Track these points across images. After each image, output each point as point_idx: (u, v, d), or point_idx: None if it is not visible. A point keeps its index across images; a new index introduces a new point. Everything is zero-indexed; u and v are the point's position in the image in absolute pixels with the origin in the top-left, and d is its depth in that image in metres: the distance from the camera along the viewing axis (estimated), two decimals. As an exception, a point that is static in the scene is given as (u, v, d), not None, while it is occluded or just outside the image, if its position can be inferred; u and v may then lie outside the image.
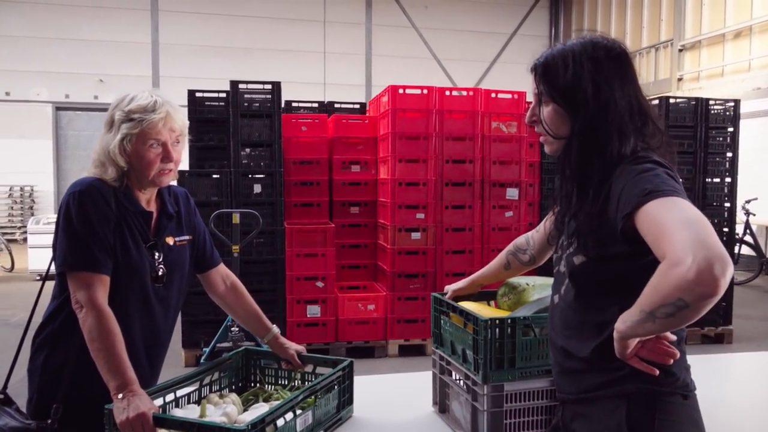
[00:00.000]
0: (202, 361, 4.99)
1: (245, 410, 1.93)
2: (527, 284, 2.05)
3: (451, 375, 2.03)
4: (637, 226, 1.24)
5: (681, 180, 1.31)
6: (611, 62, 1.42)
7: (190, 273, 2.06)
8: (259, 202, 5.43)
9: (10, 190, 14.61)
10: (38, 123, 14.99)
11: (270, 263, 5.49)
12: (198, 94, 5.82)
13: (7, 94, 14.79)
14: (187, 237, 2.00)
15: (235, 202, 5.37)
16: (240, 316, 2.24)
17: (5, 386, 1.92)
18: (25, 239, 11.54)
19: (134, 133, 1.78)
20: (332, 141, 6.14)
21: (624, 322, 1.23)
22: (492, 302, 2.21)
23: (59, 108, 15.19)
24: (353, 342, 5.65)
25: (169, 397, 1.88)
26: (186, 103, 5.67)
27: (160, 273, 1.87)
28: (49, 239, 7.05)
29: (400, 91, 5.59)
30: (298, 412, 1.78)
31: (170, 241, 1.94)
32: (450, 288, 2.15)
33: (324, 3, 15.85)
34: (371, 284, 6.09)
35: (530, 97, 1.58)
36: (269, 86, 5.50)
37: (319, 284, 5.55)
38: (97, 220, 1.76)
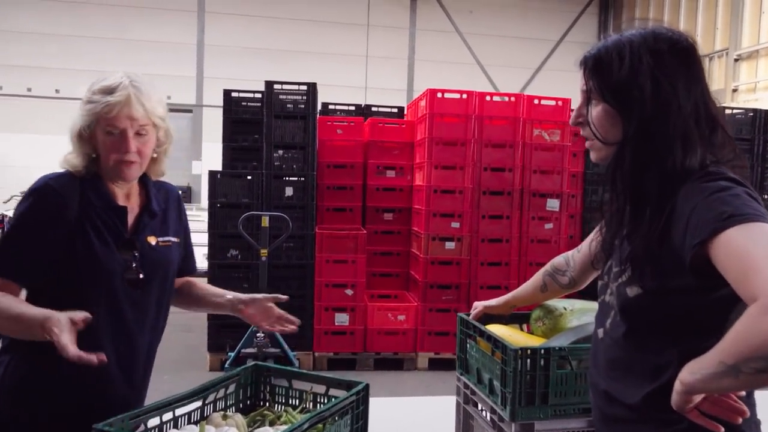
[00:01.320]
0: (226, 366, 4.89)
1: (249, 434, 1.77)
2: (565, 308, 1.84)
3: (476, 406, 1.83)
4: (712, 256, 1.03)
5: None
6: (676, 57, 1.21)
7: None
8: (290, 205, 5.31)
9: (56, 185, 14.93)
10: (85, 120, 15.29)
11: (299, 268, 5.36)
12: (234, 94, 5.75)
13: (57, 91, 15.13)
14: (173, 239, 1.81)
15: (266, 205, 5.26)
16: (195, 299, 2.01)
17: None
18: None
19: (93, 116, 1.62)
20: (368, 145, 5.99)
21: (693, 373, 1.02)
22: (525, 326, 2.01)
23: (106, 106, 15.47)
24: (381, 353, 5.46)
25: (168, 416, 1.74)
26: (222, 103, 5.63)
27: (135, 275, 1.68)
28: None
29: (439, 95, 5.40)
30: (303, 441, 1.61)
31: (152, 240, 1.75)
32: (479, 304, 1.96)
33: (368, 7, 15.78)
34: (403, 294, 5.90)
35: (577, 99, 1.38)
36: (304, 87, 5.38)
37: (349, 292, 5.39)
38: (38, 226, 1.59)
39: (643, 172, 1.19)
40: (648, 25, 1.26)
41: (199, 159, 15.16)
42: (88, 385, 1.64)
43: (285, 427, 1.69)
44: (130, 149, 1.64)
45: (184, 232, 1.90)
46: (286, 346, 5.07)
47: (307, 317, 5.36)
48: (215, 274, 5.33)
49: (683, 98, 1.19)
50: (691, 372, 1.02)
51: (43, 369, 1.60)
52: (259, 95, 5.51)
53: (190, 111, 15.20)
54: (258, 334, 4.90)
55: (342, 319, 5.41)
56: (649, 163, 1.19)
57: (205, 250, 5.37)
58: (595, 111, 1.26)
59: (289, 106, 5.39)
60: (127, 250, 1.68)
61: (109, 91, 1.62)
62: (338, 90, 13.56)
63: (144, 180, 1.77)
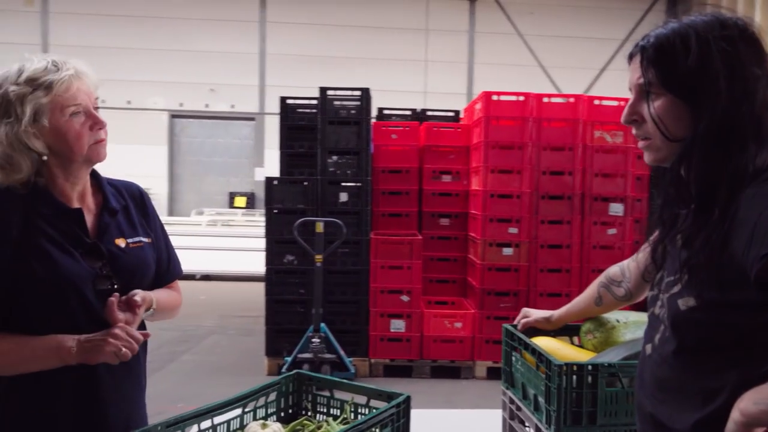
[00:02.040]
0: (283, 370, 4.92)
1: (287, 444, 1.74)
2: (618, 321, 1.73)
3: (523, 423, 1.74)
4: None
5: None
6: (747, 44, 1.10)
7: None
8: (345, 211, 5.31)
9: (128, 192, 15.57)
10: (155, 130, 15.90)
11: (354, 274, 5.35)
12: (290, 101, 5.82)
13: (128, 102, 15.80)
14: (144, 239, 1.61)
15: (321, 211, 5.28)
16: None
17: None
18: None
19: (45, 103, 1.39)
20: (423, 149, 5.93)
21: (757, 403, 0.92)
22: (577, 338, 1.90)
23: (174, 116, 16.03)
24: (438, 361, 5.38)
25: (206, 423, 1.73)
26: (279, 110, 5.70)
27: (108, 284, 1.49)
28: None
29: (494, 97, 5.29)
30: (338, 454, 1.57)
31: (121, 243, 1.55)
32: (529, 312, 1.86)
33: (426, 11, 15.73)
34: (460, 300, 5.80)
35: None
36: (357, 93, 5.38)
37: (404, 298, 5.34)
38: None
39: (713, 171, 1.08)
40: (707, 12, 1.15)
41: (261, 166, 15.49)
42: (84, 408, 1.52)
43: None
44: (104, 122, 1.48)
45: (156, 233, 1.69)
46: (342, 352, 5.06)
47: (362, 323, 5.35)
48: (272, 280, 5.40)
49: (761, 88, 1.08)
50: (755, 401, 0.92)
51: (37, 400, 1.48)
52: (314, 102, 5.55)
53: (252, 119, 15.57)
54: (313, 340, 4.91)
55: (398, 325, 5.36)
56: (720, 160, 1.08)
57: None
58: (657, 105, 1.15)
59: (342, 112, 5.39)
60: (94, 256, 1.49)
61: (51, 70, 1.41)
62: (397, 95, 13.55)
63: (95, 175, 1.60)
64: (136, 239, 1.61)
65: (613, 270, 1.66)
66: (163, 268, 1.71)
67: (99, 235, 1.53)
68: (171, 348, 6.17)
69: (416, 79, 15.70)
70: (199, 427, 1.69)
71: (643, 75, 1.16)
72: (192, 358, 5.85)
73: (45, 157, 1.44)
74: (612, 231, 5.35)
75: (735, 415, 0.94)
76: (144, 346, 1.69)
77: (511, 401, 1.79)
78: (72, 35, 15.54)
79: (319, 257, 4.89)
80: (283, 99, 5.82)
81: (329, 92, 5.40)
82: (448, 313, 5.47)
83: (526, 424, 1.71)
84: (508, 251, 5.29)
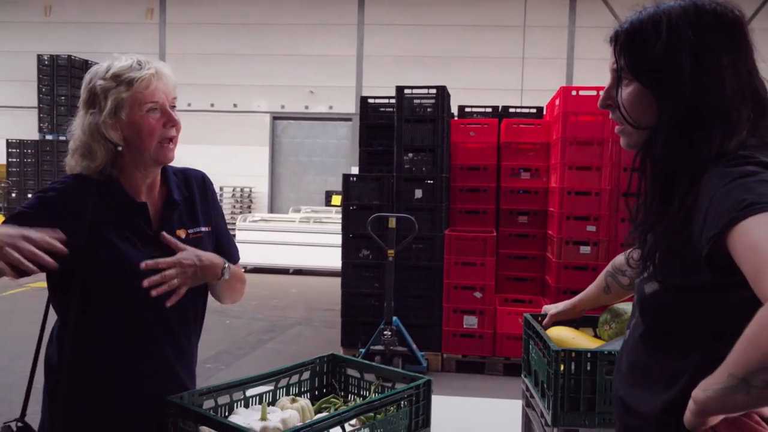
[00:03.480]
0: (357, 361, 5.07)
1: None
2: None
3: (536, 410, 1.76)
4: (731, 249, 0.91)
5: None
6: (720, 31, 1.08)
7: None
8: (420, 207, 5.39)
9: (233, 191, 16.45)
10: (258, 131, 16.71)
11: (427, 269, 5.41)
12: (370, 101, 5.99)
13: (235, 105, 16.71)
14: (204, 228, 1.69)
15: (396, 207, 5.39)
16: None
17: (23, 413, 1.68)
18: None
19: (126, 97, 1.49)
20: (502, 146, 5.89)
21: (705, 389, 0.91)
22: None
23: (276, 117, 16.77)
24: (511, 358, 5.33)
25: (238, 395, 1.87)
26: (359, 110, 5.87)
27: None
28: (253, 235, 7.60)
29: (573, 92, 5.17)
30: (349, 428, 1.66)
31: (182, 233, 1.63)
32: (547, 309, 1.88)
33: (524, 7, 15.44)
34: (537, 299, 5.71)
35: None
36: (434, 91, 5.44)
37: (477, 294, 5.34)
38: (32, 224, 1.44)
39: (676, 159, 1.08)
40: None
41: (357, 165, 15.88)
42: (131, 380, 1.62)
43: (324, 414, 1.73)
44: (177, 120, 1.56)
45: (216, 220, 1.76)
46: (413, 346, 5.14)
47: (435, 318, 5.41)
48: (348, 273, 5.58)
49: (728, 76, 1.06)
50: (703, 388, 0.91)
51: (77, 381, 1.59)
52: (394, 101, 5.67)
53: (349, 119, 15.97)
54: (385, 332, 5.03)
55: (471, 321, 5.37)
56: (683, 149, 1.08)
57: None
58: (626, 92, 1.15)
59: (419, 110, 5.48)
60: (155, 246, 1.57)
61: (134, 68, 1.51)
62: (492, 93, 13.44)
63: (163, 168, 1.67)
64: (196, 229, 1.69)
65: (619, 259, 1.65)
66: (224, 251, 1.76)
67: (161, 227, 1.61)
68: (258, 336, 6.53)
69: (513, 76, 15.47)
70: (231, 397, 1.84)
71: (616, 61, 1.17)
72: (275, 347, 6.16)
73: (120, 148, 1.53)
74: (700, 231, 5.07)
75: (690, 403, 0.94)
76: (196, 325, 1.78)
77: (527, 389, 1.81)
78: (186, 44, 16.66)
79: (391, 252, 5.00)
80: (363, 99, 6.00)
81: (406, 91, 5.50)
82: (522, 310, 5.40)
83: (539, 411, 1.72)
84: (585, 250, 5.16)
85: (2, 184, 16.08)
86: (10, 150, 15.85)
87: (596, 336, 1.81)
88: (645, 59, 1.11)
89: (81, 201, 1.53)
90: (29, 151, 15.79)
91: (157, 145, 1.54)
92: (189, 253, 1.58)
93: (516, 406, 2.02)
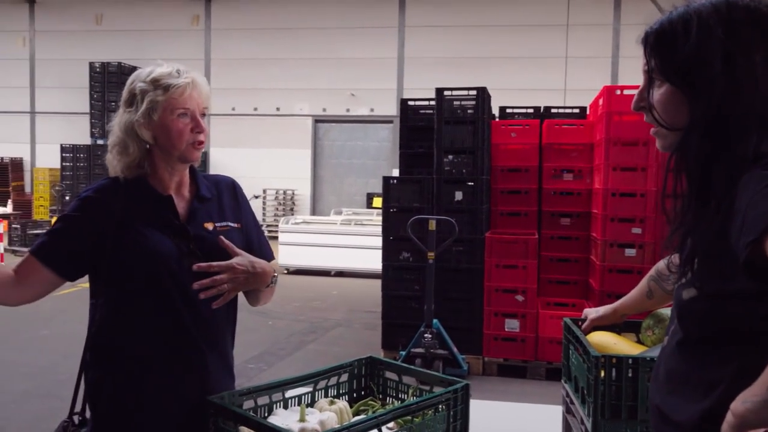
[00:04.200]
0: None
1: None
2: (677, 318, 1.65)
3: (576, 417, 1.73)
4: None
5: None
6: (753, 27, 1.04)
7: None
8: (460, 209, 5.36)
9: (276, 193, 16.68)
10: (300, 134, 16.90)
11: (468, 272, 5.38)
12: (410, 103, 5.99)
13: (278, 109, 16.95)
14: (232, 224, 1.76)
15: (436, 209, 5.37)
16: None
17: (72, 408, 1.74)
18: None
19: (160, 101, 1.60)
20: (543, 148, 5.81)
21: (744, 401, 0.88)
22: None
23: (318, 120, 16.94)
24: (554, 363, 5.24)
25: (277, 396, 1.89)
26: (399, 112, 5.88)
27: (194, 258, 1.63)
28: (295, 237, 7.70)
29: (617, 92, 5.07)
30: (386, 431, 1.66)
31: (209, 226, 1.70)
32: (588, 313, 1.84)
33: (568, 6, 15.20)
34: (580, 303, 5.60)
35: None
36: (474, 92, 5.40)
37: (519, 298, 5.28)
38: (78, 226, 1.64)
39: (710, 162, 1.05)
40: None
41: (398, 167, 15.90)
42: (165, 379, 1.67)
43: (361, 417, 1.73)
44: (204, 128, 1.66)
45: (246, 219, 1.83)
46: (454, 349, 5.12)
47: (476, 321, 5.37)
48: (388, 275, 5.58)
49: (761, 75, 1.03)
50: (743, 400, 0.88)
51: (116, 377, 1.67)
52: (434, 103, 5.65)
53: (390, 122, 16.01)
54: (425, 335, 5.01)
55: (512, 325, 5.31)
56: (718, 150, 1.05)
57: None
58: (658, 93, 1.13)
59: (459, 112, 5.45)
60: (182, 237, 1.65)
61: (173, 76, 1.62)
62: (534, 93, 13.29)
63: (192, 169, 1.78)
64: (224, 224, 1.75)
65: (661, 265, 1.61)
66: (255, 251, 1.81)
67: (189, 219, 1.70)
68: (300, 337, 6.60)
69: (555, 76, 15.25)
70: (270, 398, 1.86)
71: (647, 62, 1.14)
72: (316, 348, 6.22)
73: (148, 146, 1.65)
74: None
75: (728, 416, 0.91)
76: (228, 318, 1.83)
77: (567, 395, 1.78)
78: (230, 49, 17.00)
79: (431, 254, 4.99)
80: (403, 101, 6.01)
81: (446, 93, 5.48)
82: (564, 314, 5.30)
83: (578, 418, 1.69)
84: (630, 252, 5.04)
85: (57, 187, 16.69)
86: (63, 154, 16.47)
87: (639, 342, 1.77)
88: (675, 59, 1.08)
89: (113, 200, 1.65)
90: (81, 155, 16.38)
91: (185, 147, 1.65)
92: (243, 259, 1.64)
93: (556, 412, 1.99)
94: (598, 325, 1.81)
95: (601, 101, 5.31)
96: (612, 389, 1.45)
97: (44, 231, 1.73)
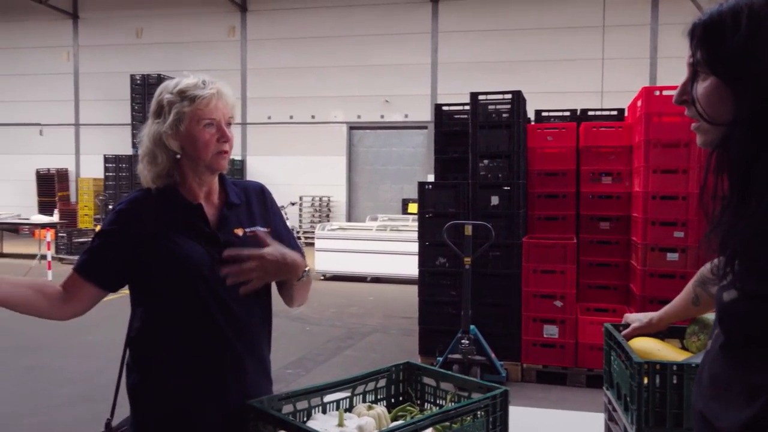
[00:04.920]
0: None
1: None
2: (723, 323, 1.61)
3: (619, 425, 1.69)
4: None
5: None
6: None
7: None
8: (496, 214, 5.32)
9: (312, 200, 16.82)
10: (335, 141, 17.02)
11: (505, 277, 5.33)
12: (445, 108, 5.98)
13: (313, 117, 17.11)
14: (262, 228, 1.76)
15: (472, 214, 5.34)
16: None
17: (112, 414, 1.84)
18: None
19: (187, 112, 1.63)
20: (581, 151, 5.73)
21: None
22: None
23: (352, 127, 17.04)
24: (595, 370, 5.15)
25: (316, 400, 1.91)
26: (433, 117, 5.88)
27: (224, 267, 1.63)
28: (331, 243, 7.78)
29: (656, 92, 4.97)
30: (425, 437, 1.65)
31: (239, 232, 1.73)
32: (629, 318, 1.81)
33: (603, 7, 14.99)
34: (621, 308, 5.50)
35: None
36: (509, 96, 5.36)
37: (558, 303, 5.20)
38: (115, 240, 1.69)
39: (753, 158, 1.02)
40: None
41: (433, 173, 15.86)
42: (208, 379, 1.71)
43: (399, 423, 1.73)
44: (229, 137, 1.69)
45: (276, 223, 1.85)
46: (492, 355, 5.07)
47: (514, 327, 5.31)
48: (425, 281, 5.57)
49: None
50: None
51: (155, 382, 1.72)
52: (468, 108, 5.63)
53: (425, 127, 16.01)
54: (463, 341, 4.98)
55: (551, 331, 5.24)
56: (761, 147, 1.02)
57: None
58: (702, 86, 1.09)
59: (494, 116, 5.42)
60: (213, 244, 1.68)
61: (199, 87, 1.65)
62: (570, 96, 13.13)
63: (221, 177, 1.81)
64: (254, 228, 1.76)
65: (706, 269, 1.57)
66: None
67: (219, 226, 1.73)
68: (337, 343, 6.63)
69: (592, 78, 15.05)
70: (309, 403, 1.88)
71: (692, 54, 1.11)
72: (353, 354, 6.23)
73: (178, 156, 1.69)
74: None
75: None
76: (267, 331, 1.87)
77: (610, 402, 1.75)
78: (265, 59, 17.25)
79: (467, 260, 4.96)
80: (437, 106, 6.00)
81: (480, 97, 5.45)
82: (605, 320, 5.20)
83: (621, 426, 1.66)
84: (672, 256, 4.92)
85: (100, 197, 17.16)
86: (106, 165, 16.92)
87: (683, 348, 1.73)
88: (722, 52, 1.05)
89: (145, 211, 1.70)
90: (123, 165, 16.80)
91: (211, 156, 1.68)
92: (274, 249, 1.65)
93: (598, 419, 1.95)
94: (641, 333, 1.78)
95: (639, 102, 5.21)
96: (656, 396, 1.41)
97: (85, 248, 1.77)
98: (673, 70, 14.42)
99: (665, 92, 4.95)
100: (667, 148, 4.93)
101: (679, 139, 4.90)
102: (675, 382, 1.41)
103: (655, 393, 1.42)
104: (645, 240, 4.98)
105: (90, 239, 1.82)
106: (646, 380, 1.44)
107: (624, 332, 1.79)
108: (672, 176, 4.94)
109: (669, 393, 1.41)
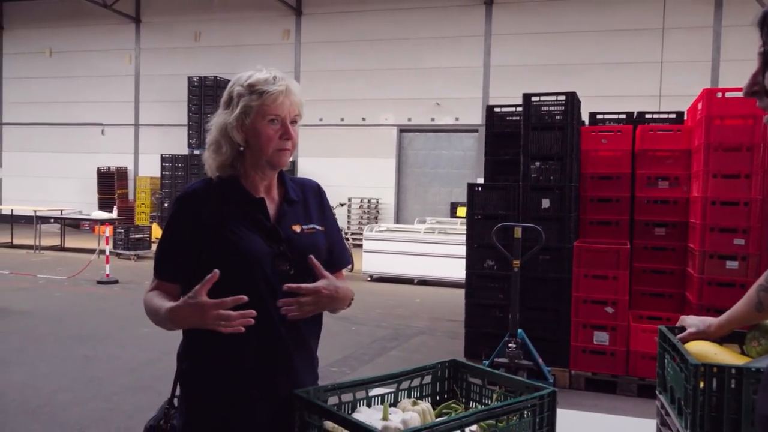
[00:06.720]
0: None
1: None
2: (786, 328, 1.54)
3: (671, 429, 1.64)
4: None
5: None
6: None
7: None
8: (547, 217, 5.23)
9: (361, 202, 16.91)
10: (385, 144, 17.07)
11: (555, 282, 5.23)
12: (497, 110, 5.93)
13: (363, 119, 17.20)
14: (318, 227, 1.80)
15: (522, 217, 5.27)
16: None
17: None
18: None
19: (254, 106, 1.65)
20: (637, 154, 5.58)
21: None
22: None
23: (402, 130, 17.04)
24: (647, 379, 5.00)
25: (360, 394, 1.91)
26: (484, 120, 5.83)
27: (285, 261, 1.69)
28: (379, 245, 7.81)
29: (718, 95, 4.79)
30: (469, 433, 1.64)
31: (297, 228, 1.75)
32: (685, 321, 1.75)
33: (663, 9, 14.56)
34: (676, 317, 5.29)
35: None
36: (563, 98, 5.27)
37: (609, 309, 5.08)
38: (182, 228, 1.71)
39: None
40: None
41: (482, 177, 15.71)
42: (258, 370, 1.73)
43: (443, 419, 1.71)
44: (292, 135, 1.70)
45: (330, 222, 1.87)
46: (540, 360, 4.98)
47: (563, 332, 5.21)
48: (472, 283, 5.52)
49: None
50: None
51: (205, 370, 1.75)
52: (521, 110, 5.56)
53: (476, 131, 15.88)
54: (510, 345, 4.91)
55: (601, 338, 5.11)
56: None
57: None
58: None
59: (547, 118, 5.33)
60: (273, 238, 1.70)
61: (269, 82, 1.66)
62: (627, 100, 12.80)
63: (280, 173, 1.82)
64: (311, 226, 1.80)
65: None
66: (335, 254, 1.88)
67: (278, 221, 1.74)
68: (382, 344, 6.63)
69: (649, 82, 14.64)
70: (354, 396, 1.89)
71: (763, 43, 1.07)
72: (398, 355, 6.23)
73: (242, 148, 1.71)
74: None
75: None
76: (317, 328, 1.89)
77: (662, 406, 1.70)
78: (318, 62, 17.46)
79: (516, 263, 4.89)
80: (489, 108, 5.95)
81: (533, 98, 5.37)
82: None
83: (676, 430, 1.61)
84: (732, 264, 4.74)
85: (157, 195, 17.70)
86: (163, 164, 17.46)
87: (743, 353, 1.66)
88: None
89: (206, 199, 1.72)
90: (180, 164, 17.30)
91: (272, 152, 1.70)
92: (329, 284, 1.68)
93: (650, 425, 1.89)
94: (698, 339, 1.71)
95: (700, 105, 5.04)
96: (712, 401, 1.36)
97: (156, 246, 1.82)
98: (737, 74, 13.88)
99: (728, 94, 4.77)
100: (729, 151, 4.75)
101: (741, 143, 4.72)
102: (733, 386, 1.36)
103: (711, 397, 1.37)
104: (703, 247, 4.81)
105: (145, 235, 1.85)
106: (702, 384, 1.39)
107: (679, 336, 1.73)
108: (733, 181, 4.76)
109: (726, 397, 1.35)
